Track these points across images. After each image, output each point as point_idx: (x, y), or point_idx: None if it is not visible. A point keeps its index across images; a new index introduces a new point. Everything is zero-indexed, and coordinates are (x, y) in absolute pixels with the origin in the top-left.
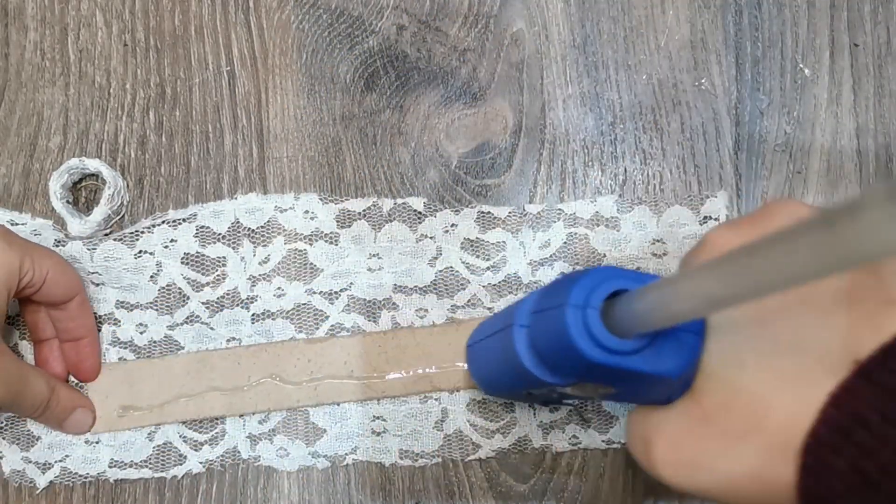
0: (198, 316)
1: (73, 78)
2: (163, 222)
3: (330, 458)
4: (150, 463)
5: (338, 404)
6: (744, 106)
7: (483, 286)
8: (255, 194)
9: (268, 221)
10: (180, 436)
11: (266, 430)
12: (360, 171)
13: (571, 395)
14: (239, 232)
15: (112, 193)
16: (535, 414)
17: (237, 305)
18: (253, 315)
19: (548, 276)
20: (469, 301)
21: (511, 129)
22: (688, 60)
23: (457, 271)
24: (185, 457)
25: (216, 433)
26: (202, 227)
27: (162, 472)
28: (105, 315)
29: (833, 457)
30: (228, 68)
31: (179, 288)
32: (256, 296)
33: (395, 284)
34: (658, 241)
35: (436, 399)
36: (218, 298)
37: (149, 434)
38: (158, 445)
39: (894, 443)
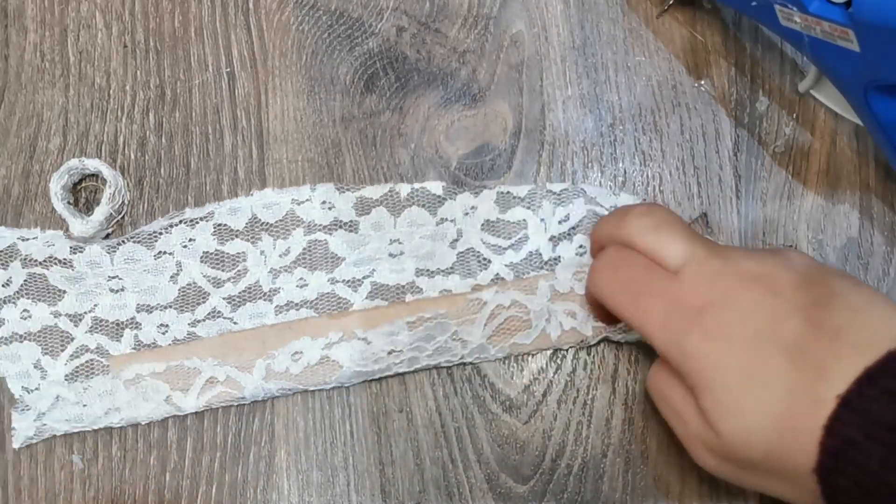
0: (220, 311)
1: (73, 79)
2: (180, 222)
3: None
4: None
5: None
6: (743, 107)
7: (506, 265)
8: (270, 189)
9: (285, 215)
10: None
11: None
12: (359, 173)
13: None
14: (257, 227)
15: (113, 192)
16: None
17: (259, 298)
18: (276, 307)
19: (567, 250)
20: (493, 280)
21: (511, 131)
22: (687, 62)
23: (478, 252)
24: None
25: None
26: (219, 224)
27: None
28: (126, 321)
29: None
30: (228, 70)
31: (200, 286)
32: (279, 288)
33: (417, 268)
34: None
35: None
36: (240, 293)
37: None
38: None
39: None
